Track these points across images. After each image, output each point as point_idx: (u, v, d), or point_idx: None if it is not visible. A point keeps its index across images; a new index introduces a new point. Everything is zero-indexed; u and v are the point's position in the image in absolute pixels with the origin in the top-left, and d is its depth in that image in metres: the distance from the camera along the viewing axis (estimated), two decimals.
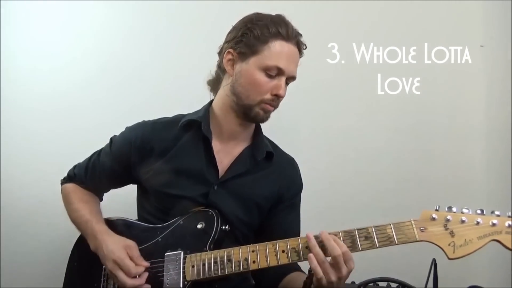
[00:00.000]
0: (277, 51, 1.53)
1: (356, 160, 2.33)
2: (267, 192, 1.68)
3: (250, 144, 1.71)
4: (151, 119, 1.76)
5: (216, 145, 1.66)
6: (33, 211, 2.28)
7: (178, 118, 1.72)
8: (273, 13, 1.61)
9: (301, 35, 1.60)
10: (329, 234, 1.34)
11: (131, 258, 1.50)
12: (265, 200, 1.68)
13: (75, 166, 1.83)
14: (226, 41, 1.64)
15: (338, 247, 1.29)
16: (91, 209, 1.69)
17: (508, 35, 2.19)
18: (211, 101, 1.74)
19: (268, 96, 1.56)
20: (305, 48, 1.63)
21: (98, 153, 1.78)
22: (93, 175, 1.76)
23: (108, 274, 1.59)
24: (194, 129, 1.66)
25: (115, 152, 1.73)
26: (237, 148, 1.70)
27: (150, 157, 1.65)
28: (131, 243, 1.54)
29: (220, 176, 1.64)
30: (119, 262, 1.47)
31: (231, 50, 1.59)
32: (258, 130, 1.74)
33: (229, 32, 1.64)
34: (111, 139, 1.77)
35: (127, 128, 1.75)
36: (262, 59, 1.53)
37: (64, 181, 1.84)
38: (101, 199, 1.84)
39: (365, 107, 2.34)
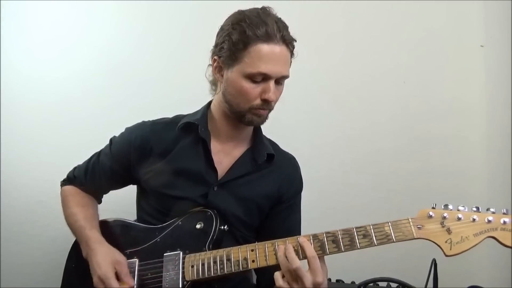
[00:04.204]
0: (258, 56, 1.44)
1: (357, 160, 2.33)
2: (267, 191, 1.67)
3: (251, 147, 1.70)
4: (150, 119, 1.75)
5: (215, 145, 1.66)
6: (32, 211, 2.29)
7: (177, 119, 1.71)
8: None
9: (286, 28, 1.50)
10: (304, 236, 1.38)
11: (118, 275, 1.49)
12: (265, 199, 1.68)
13: (74, 168, 1.82)
14: (214, 45, 1.59)
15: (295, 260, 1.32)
16: (86, 214, 1.68)
17: (508, 35, 2.18)
18: (210, 102, 1.73)
19: (257, 102, 1.51)
20: (295, 41, 1.53)
21: (97, 155, 1.78)
22: (93, 176, 1.76)
23: None
24: (193, 130, 1.65)
25: (114, 152, 1.73)
26: (237, 149, 1.69)
27: (149, 158, 1.65)
28: (121, 259, 1.53)
29: (220, 177, 1.63)
30: (103, 280, 1.47)
31: (216, 57, 1.55)
32: (257, 131, 1.73)
33: (217, 35, 1.57)
34: (111, 140, 1.77)
35: (126, 128, 1.75)
36: (244, 66, 1.46)
37: (64, 183, 1.83)
38: (100, 202, 1.83)
39: (364, 107, 2.34)
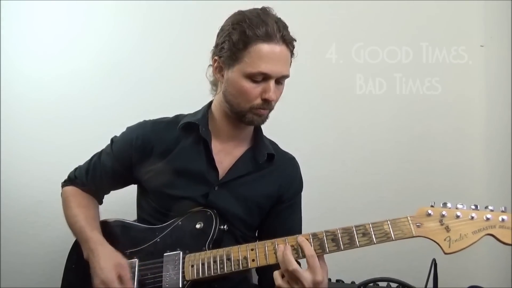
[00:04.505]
0: (258, 55, 1.46)
1: (356, 160, 2.34)
2: (267, 191, 1.68)
3: (251, 146, 1.71)
4: (151, 118, 1.75)
5: (216, 145, 1.66)
6: (32, 212, 2.28)
7: (178, 118, 1.72)
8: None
9: (286, 28, 1.51)
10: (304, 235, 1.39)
11: (121, 278, 1.49)
12: (265, 199, 1.69)
13: (75, 169, 1.82)
14: (214, 46, 1.60)
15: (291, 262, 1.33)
16: (87, 214, 1.67)
17: (508, 35, 2.18)
18: (211, 102, 1.73)
19: (258, 101, 1.52)
20: (295, 41, 1.54)
21: (98, 155, 1.78)
22: (94, 177, 1.75)
23: None
24: (194, 130, 1.65)
25: (116, 152, 1.73)
26: (238, 149, 1.69)
27: (150, 157, 1.65)
28: (123, 262, 1.52)
29: (221, 177, 1.64)
30: (107, 283, 1.46)
31: (216, 58, 1.56)
32: (258, 131, 1.74)
33: (217, 35, 1.58)
34: (112, 140, 1.77)
35: (127, 128, 1.75)
36: (245, 66, 1.47)
37: (65, 184, 1.82)
38: (101, 202, 1.83)
39: (364, 107, 2.34)
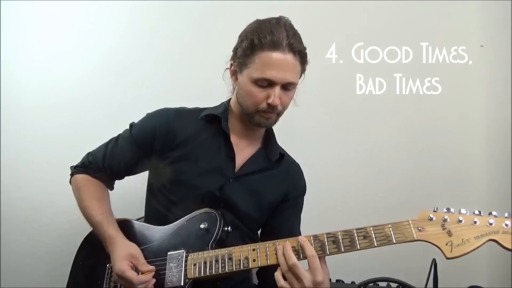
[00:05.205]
0: (263, 62, 1.54)
1: (356, 161, 2.35)
2: (277, 189, 1.76)
3: (263, 146, 1.78)
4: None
5: (233, 140, 1.71)
6: (32, 211, 2.29)
7: (198, 110, 1.77)
8: (277, 13, 1.62)
9: (296, 37, 1.57)
10: (308, 236, 1.39)
11: (136, 267, 1.52)
12: (274, 197, 1.75)
13: (88, 154, 1.80)
14: (232, 51, 1.67)
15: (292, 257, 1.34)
16: (102, 209, 1.68)
17: (508, 35, 2.18)
18: (230, 99, 1.78)
19: (263, 105, 1.59)
20: (305, 49, 1.60)
21: (115, 140, 1.79)
22: (112, 162, 1.76)
23: (111, 272, 1.61)
24: (214, 123, 1.71)
25: (137, 137, 1.74)
26: (250, 147, 1.76)
27: (172, 144, 1.69)
28: (134, 252, 1.55)
29: (236, 171, 1.69)
30: (121, 275, 1.49)
31: (232, 62, 1.66)
32: (270, 132, 1.81)
33: (237, 41, 1.66)
34: (131, 125, 1.78)
35: (148, 114, 1.78)
36: (251, 71, 1.56)
37: (77, 170, 1.80)
38: (112, 188, 1.84)
39: (364, 107, 2.34)
